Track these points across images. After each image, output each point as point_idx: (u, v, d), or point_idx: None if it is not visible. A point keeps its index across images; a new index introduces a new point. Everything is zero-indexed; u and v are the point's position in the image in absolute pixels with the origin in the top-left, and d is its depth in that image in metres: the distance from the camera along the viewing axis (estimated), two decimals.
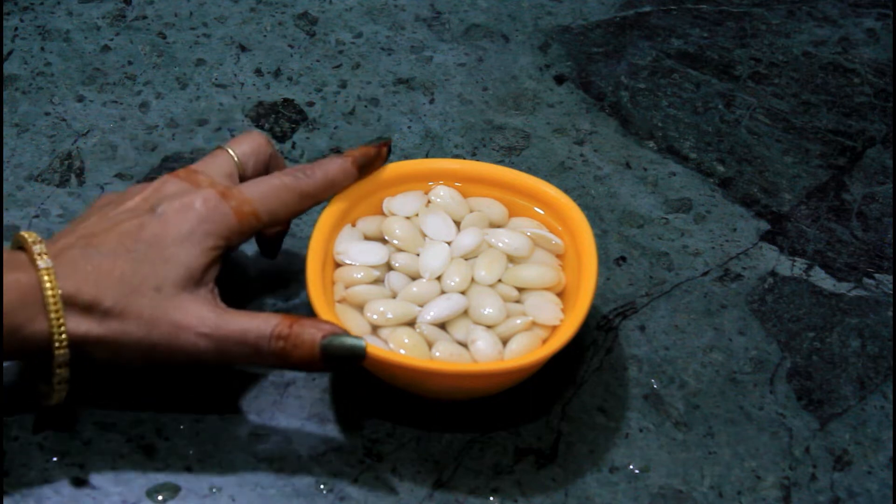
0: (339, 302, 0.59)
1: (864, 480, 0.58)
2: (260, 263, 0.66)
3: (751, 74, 0.78)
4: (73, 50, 0.77)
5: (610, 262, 0.67)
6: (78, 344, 0.53)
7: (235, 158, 0.60)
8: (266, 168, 0.61)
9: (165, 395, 0.59)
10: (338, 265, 0.61)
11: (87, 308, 0.53)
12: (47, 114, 0.73)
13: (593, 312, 0.64)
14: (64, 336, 0.53)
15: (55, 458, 0.57)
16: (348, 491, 0.57)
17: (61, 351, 0.53)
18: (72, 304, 0.53)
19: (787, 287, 0.66)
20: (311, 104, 0.75)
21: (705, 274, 0.67)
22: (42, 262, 0.53)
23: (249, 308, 0.62)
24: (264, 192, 0.58)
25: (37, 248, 0.53)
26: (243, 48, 0.78)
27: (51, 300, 0.52)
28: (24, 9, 0.80)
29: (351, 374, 0.60)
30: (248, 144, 0.61)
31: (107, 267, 0.54)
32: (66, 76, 0.76)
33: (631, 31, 0.81)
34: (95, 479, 0.56)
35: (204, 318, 0.54)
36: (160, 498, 0.56)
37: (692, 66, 0.79)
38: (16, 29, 0.79)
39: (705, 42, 0.81)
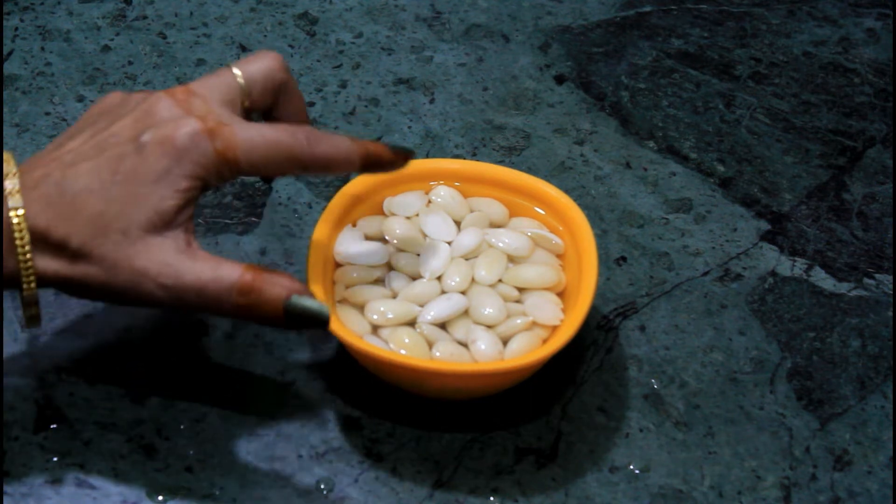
0: (339, 302, 0.59)
1: (865, 480, 0.58)
2: (261, 263, 0.66)
3: (751, 74, 0.78)
4: (74, 50, 0.77)
5: (610, 262, 0.67)
6: (47, 282, 0.53)
7: (241, 82, 0.57)
8: (275, 95, 0.58)
9: (165, 395, 0.59)
10: (338, 265, 0.61)
11: (57, 247, 0.53)
12: (47, 114, 0.73)
13: (593, 312, 0.64)
14: (32, 276, 0.53)
15: (55, 458, 0.57)
16: (348, 491, 0.57)
17: (30, 291, 0.53)
18: (42, 241, 0.52)
19: (787, 287, 0.66)
20: (311, 104, 0.75)
21: (705, 274, 0.67)
22: (12, 201, 0.52)
23: None
24: (254, 143, 0.54)
25: (9, 184, 0.53)
26: (243, 48, 0.78)
27: (18, 242, 0.52)
28: (24, 9, 0.80)
29: (350, 373, 0.60)
30: (259, 66, 0.57)
31: (79, 203, 0.53)
32: (67, 76, 0.76)
33: (631, 31, 0.81)
34: (95, 479, 0.56)
35: (165, 265, 0.53)
36: (160, 498, 0.56)
37: (692, 66, 0.79)
38: (16, 29, 0.79)
39: (705, 42, 0.81)
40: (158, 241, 0.53)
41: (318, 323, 0.54)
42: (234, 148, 0.54)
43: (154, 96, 0.55)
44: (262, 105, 0.58)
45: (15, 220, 0.52)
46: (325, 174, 0.58)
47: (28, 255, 0.52)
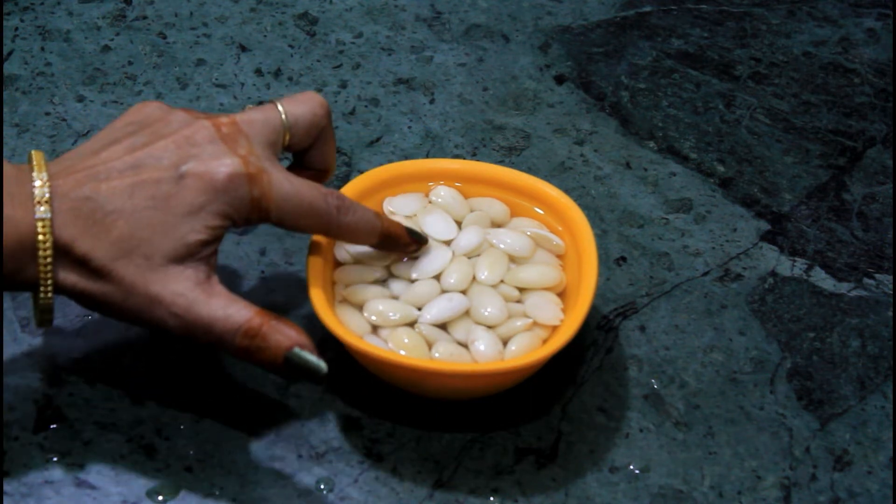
0: (340, 302, 0.59)
1: (865, 480, 0.58)
2: (261, 263, 0.66)
3: (751, 74, 0.78)
4: (74, 50, 0.77)
5: (610, 262, 0.67)
6: (64, 292, 0.53)
7: (286, 123, 0.57)
8: (314, 139, 0.58)
9: (165, 395, 0.59)
10: (338, 265, 0.61)
11: (78, 261, 0.53)
12: (47, 114, 0.73)
13: (593, 312, 0.64)
14: (51, 286, 0.53)
15: (55, 458, 0.57)
16: (348, 491, 0.57)
17: (46, 300, 0.53)
18: (65, 253, 0.52)
19: (787, 287, 0.66)
20: None
21: (705, 274, 0.67)
22: (41, 210, 0.52)
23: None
24: (289, 200, 0.55)
25: (38, 191, 0.52)
26: (243, 48, 0.78)
27: (42, 252, 0.52)
28: (24, 9, 0.80)
29: (350, 373, 0.60)
30: (304, 110, 0.57)
31: (108, 223, 0.53)
32: (67, 76, 0.76)
33: (631, 31, 0.81)
34: (95, 479, 0.56)
35: (180, 296, 0.53)
36: (160, 498, 0.56)
37: (692, 66, 0.79)
38: (16, 29, 0.79)
39: (705, 42, 0.81)
40: (178, 272, 0.53)
41: (314, 378, 0.54)
42: (269, 199, 0.54)
43: (199, 122, 0.55)
44: (300, 147, 0.59)
45: (41, 229, 0.52)
46: (343, 240, 0.59)
47: (49, 266, 0.52)
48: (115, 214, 0.53)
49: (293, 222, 0.56)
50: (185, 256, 0.53)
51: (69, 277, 0.53)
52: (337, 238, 0.59)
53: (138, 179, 0.53)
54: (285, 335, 0.54)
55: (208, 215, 0.54)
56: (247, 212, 0.54)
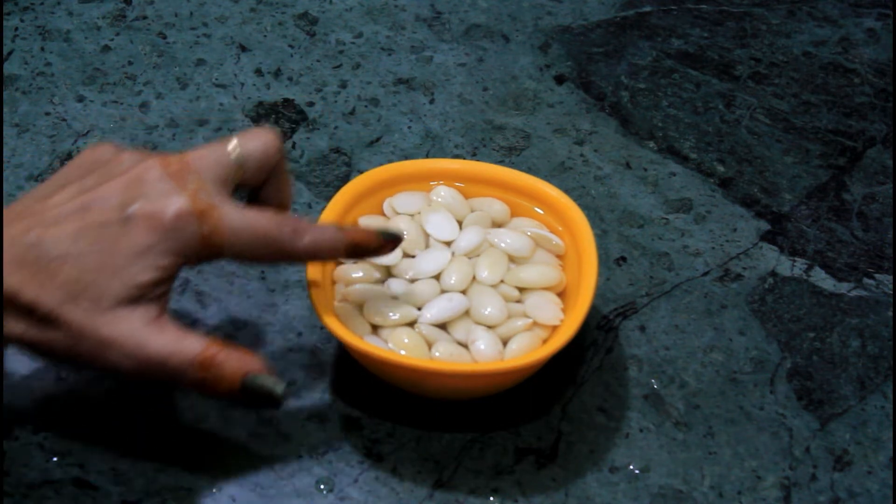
0: (339, 302, 0.59)
1: (865, 480, 0.58)
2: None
3: (751, 74, 0.78)
4: (74, 50, 0.77)
5: (610, 262, 0.67)
6: (13, 342, 0.52)
7: (238, 159, 0.56)
8: (268, 175, 0.57)
9: (165, 396, 0.59)
10: (338, 264, 0.61)
11: (24, 309, 0.52)
12: (47, 114, 0.73)
13: (593, 312, 0.64)
14: None
15: (55, 458, 0.57)
16: (348, 491, 0.57)
17: None
18: (12, 302, 0.51)
19: (787, 287, 0.66)
20: (311, 104, 0.75)
21: (705, 274, 0.67)
22: None
23: (250, 309, 0.62)
24: (241, 232, 0.53)
25: None
26: (243, 48, 0.78)
27: None
28: (24, 9, 0.80)
29: (350, 373, 0.60)
30: (257, 145, 0.56)
31: (54, 268, 0.52)
32: (67, 76, 0.76)
33: (631, 31, 0.81)
34: (95, 479, 0.56)
35: (131, 336, 0.52)
36: (160, 498, 0.56)
37: (692, 66, 0.79)
38: (16, 29, 0.79)
39: (705, 42, 0.81)
40: (128, 313, 0.52)
41: (272, 402, 0.53)
42: (221, 234, 0.53)
43: (147, 162, 0.54)
44: (253, 183, 0.57)
45: None
46: (309, 262, 0.58)
47: None
48: (60, 259, 0.52)
49: (251, 255, 0.54)
50: (137, 297, 0.52)
51: (17, 327, 0.52)
52: (302, 262, 0.57)
53: (85, 223, 0.52)
54: (241, 361, 0.53)
55: (158, 255, 0.52)
56: (198, 249, 0.53)
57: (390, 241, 0.57)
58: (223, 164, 0.55)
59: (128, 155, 0.55)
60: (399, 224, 0.62)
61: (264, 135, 0.57)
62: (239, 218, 0.53)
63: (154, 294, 0.53)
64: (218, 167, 0.55)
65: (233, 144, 0.56)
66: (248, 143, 0.56)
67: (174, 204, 0.52)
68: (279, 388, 0.53)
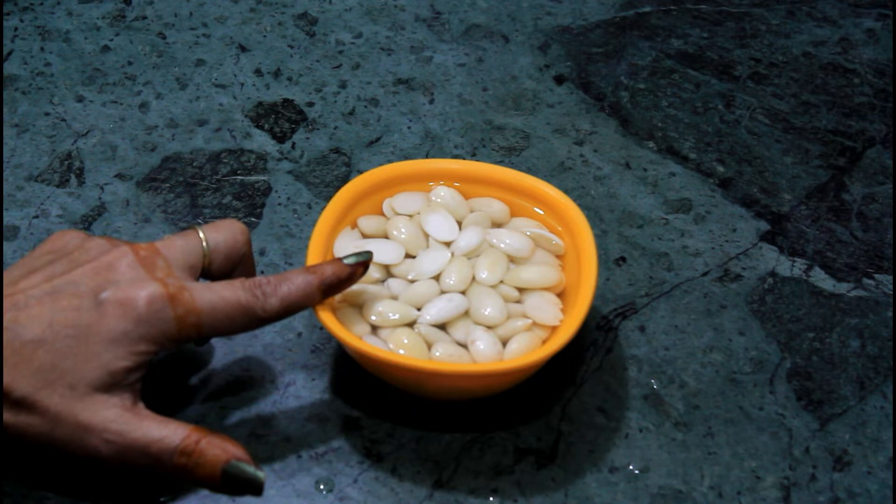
0: (339, 302, 0.59)
1: (864, 480, 0.58)
2: (260, 263, 0.66)
3: (751, 74, 0.78)
4: (73, 50, 0.77)
5: (610, 262, 0.67)
6: None
7: (206, 250, 0.56)
8: (234, 266, 0.58)
9: (165, 396, 0.59)
10: None
11: None
12: (47, 114, 0.73)
13: (593, 312, 0.64)
14: None
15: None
16: (348, 491, 0.57)
17: None
18: None
19: (786, 287, 0.66)
20: (310, 104, 0.75)
21: (705, 274, 0.67)
22: None
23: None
24: (215, 306, 0.54)
25: None
26: (243, 48, 0.78)
27: None
28: (24, 9, 0.80)
29: (350, 373, 0.60)
30: (224, 237, 0.57)
31: (27, 354, 0.51)
32: (66, 76, 0.76)
33: (631, 31, 0.81)
34: (96, 479, 0.56)
35: (112, 422, 0.52)
36: (161, 498, 0.56)
37: (692, 66, 0.79)
38: (16, 29, 0.79)
39: (705, 42, 0.81)
40: (104, 399, 0.52)
41: (252, 489, 0.53)
42: (196, 313, 0.53)
43: (118, 250, 0.54)
44: (220, 273, 0.57)
45: None
46: (288, 316, 0.57)
47: None
48: (34, 343, 0.52)
49: (229, 326, 0.55)
50: (111, 384, 0.52)
51: None
52: (281, 319, 0.56)
53: (58, 307, 0.52)
54: (222, 449, 0.53)
55: (132, 342, 0.53)
56: (175, 332, 0.53)
57: (360, 264, 0.57)
58: (192, 251, 0.56)
59: (95, 241, 0.55)
60: (399, 225, 0.62)
61: (231, 225, 0.57)
62: (209, 293, 0.54)
63: (127, 381, 0.53)
64: (186, 254, 0.56)
65: (200, 235, 0.56)
66: (216, 234, 0.57)
67: (145, 290, 0.53)
68: (260, 475, 0.53)
